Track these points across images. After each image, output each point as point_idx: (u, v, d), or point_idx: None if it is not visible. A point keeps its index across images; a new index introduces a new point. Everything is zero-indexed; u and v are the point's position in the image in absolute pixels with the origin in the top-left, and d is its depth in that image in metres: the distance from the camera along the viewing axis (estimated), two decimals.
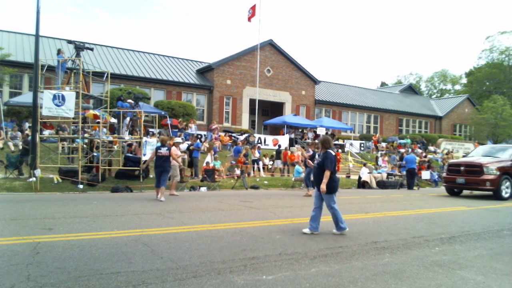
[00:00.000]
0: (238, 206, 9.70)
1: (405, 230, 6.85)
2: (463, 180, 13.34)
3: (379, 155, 25.08)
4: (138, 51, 29.29)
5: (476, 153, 15.26)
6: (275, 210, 9.07)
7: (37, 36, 13.34)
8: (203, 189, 14.62)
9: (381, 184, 18.76)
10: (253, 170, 18.95)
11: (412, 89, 46.93)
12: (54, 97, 12.54)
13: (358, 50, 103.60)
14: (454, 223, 7.83)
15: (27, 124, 18.05)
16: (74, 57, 14.53)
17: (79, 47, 14.38)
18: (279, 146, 22.08)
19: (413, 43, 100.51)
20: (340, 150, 24.16)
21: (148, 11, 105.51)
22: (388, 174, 19.90)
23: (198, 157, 16.71)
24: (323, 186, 6.19)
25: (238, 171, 16.84)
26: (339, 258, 4.91)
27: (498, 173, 12.79)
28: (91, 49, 15.89)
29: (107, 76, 14.84)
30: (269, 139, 24.44)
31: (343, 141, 28.38)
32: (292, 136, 26.37)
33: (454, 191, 14.42)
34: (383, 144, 29.93)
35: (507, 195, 13.01)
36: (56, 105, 12.58)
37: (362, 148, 28.77)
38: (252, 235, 6.11)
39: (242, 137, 22.68)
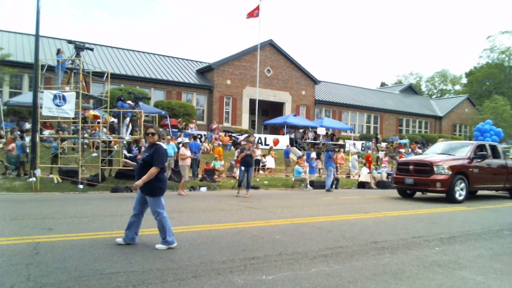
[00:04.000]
0: (238, 206, 9.70)
1: (405, 230, 6.85)
2: (412, 181, 11.89)
3: (379, 155, 25.08)
4: (138, 51, 29.28)
5: (433, 151, 13.82)
6: (275, 210, 9.07)
7: (37, 36, 13.34)
8: (203, 189, 14.63)
9: (381, 184, 18.75)
10: (254, 171, 18.94)
11: (412, 89, 46.92)
12: (55, 97, 12.55)
13: (358, 50, 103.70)
14: (454, 223, 7.83)
15: (27, 124, 18.05)
16: (74, 57, 14.53)
17: (79, 47, 14.38)
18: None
19: (413, 43, 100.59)
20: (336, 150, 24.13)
21: (148, 11, 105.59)
22: (388, 174, 19.90)
23: (198, 158, 16.71)
24: (140, 182, 5.06)
25: (238, 171, 16.83)
26: (339, 258, 4.91)
27: (450, 172, 11.30)
28: (91, 49, 15.89)
29: (107, 76, 14.84)
30: (269, 139, 24.45)
31: (343, 141, 28.40)
32: (292, 136, 26.38)
33: (406, 192, 13.16)
34: (383, 144, 29.95)
35: (461, 198, 11.51)
36: (57, 105, 12.58)
37: (362, 148, 28.79)
38: (252, 235, 6.11)
39: (242, 137, 22.67)
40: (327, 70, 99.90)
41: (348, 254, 5.09)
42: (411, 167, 12.17)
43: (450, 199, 11.47)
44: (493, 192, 14.77)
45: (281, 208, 9.39)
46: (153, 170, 5.11)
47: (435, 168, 11.46)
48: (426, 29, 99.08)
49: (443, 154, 12.70)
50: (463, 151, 12.58)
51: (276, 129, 28.60)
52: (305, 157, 19.51)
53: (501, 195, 14.61)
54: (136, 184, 5.11)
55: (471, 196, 14.18)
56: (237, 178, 16.27)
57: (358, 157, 23.37)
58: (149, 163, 5.18)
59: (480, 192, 14.64)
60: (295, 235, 6.15)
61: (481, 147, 12.85)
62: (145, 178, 5.07)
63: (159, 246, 5.11)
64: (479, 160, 12.27)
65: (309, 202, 11.24)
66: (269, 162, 19.89)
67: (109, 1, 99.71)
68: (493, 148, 13.27)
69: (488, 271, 4.57)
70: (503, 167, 12.98)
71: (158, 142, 5.33)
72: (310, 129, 27.73)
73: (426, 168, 11.73)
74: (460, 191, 11.57)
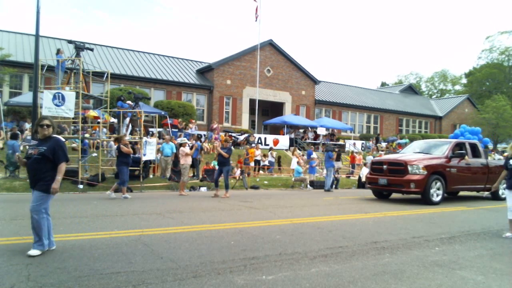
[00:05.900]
0: (238, 206, 9.70)
1: (405, 230, 6.85)
2: (385, 181, 11.29)
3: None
4: (138, 51, 29.27)
5: (409, 149, 13.22)
6: (275, 210, 9.07)
7: (37, 36, 13.33)
8: (203, 189, 14.64)
9: None
10: (254, 171, 18.98)
11: (412, 89, 46.91)
12: (54, 97, 12.54)
13: (358, 50, 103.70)
14: (454, 223, 7.83)
15: (26, 124, 18.04)
16: (74, 57, 14.53)
17: (79, 47, 14.38)
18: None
19: (413, 43, 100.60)
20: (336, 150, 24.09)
21: (148, 11, 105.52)
22: None
23: (200, 158, 16.75)
24: (56, 186, 4.74)
25: (238, 171, 16.85)
26: (339, 258, 4.91)
27: (425, 172, 10.71)
28: (91, 49, 15.89)
29: (107, 76, 14.85)
30: (269, 139, 24.45)
31: (344, 141, 28.41)
32: (292, 136, 26.37)
33: (382, 193, 12.57)
34: (383, 144, 29.95)
35: (437, 199, 10.91)
36: (56, 105, 12.57)
37: (362, 148, 28.79)
38: (252, 235, 6.11)
39: (242, 137, 22.67)
40: (327, 70, 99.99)
41: (348, 254, 5.09)
42: (385, 166, 11.54)
43: (426, 200, 10.88)
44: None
45: (281, 208, 9.39)
46: (62, 167, 4.81)
47: (409, 168, 10.88)
48: (426, 29, 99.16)
49: (420, 153, 12.10)
50: (441, 149, 11.91)
51: (276, 129, 28.61)
52: (305, 156, 19.51)
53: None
54: (54, 188, 4.72)
55: (470, 196, 14.15)
56: (237, 178, 16.32)
57: (373, 157, 23.32)
58: (47, 157, 4.74)
59: (475, 193, 14.44)
60: (295, 235, 6.15)
61: (460, 146, 12.21)
62: (59, 178, 4.77)
63: (33, 252, 4.57)
64: (458, 159, 11.65)
65: (309, 202, 11.23)
66: (294, 162, 20.08)
67: (109, 1, 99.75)
68: (473, 147, 12.63)
69: (488, 271, 4.57)
70: (484, 166, 12.38)
71: (54, 135, 4.94)
72: (310, 129, 27.74)
73: (400, 167, 11.13)
74: (436, 192, 10.99)
